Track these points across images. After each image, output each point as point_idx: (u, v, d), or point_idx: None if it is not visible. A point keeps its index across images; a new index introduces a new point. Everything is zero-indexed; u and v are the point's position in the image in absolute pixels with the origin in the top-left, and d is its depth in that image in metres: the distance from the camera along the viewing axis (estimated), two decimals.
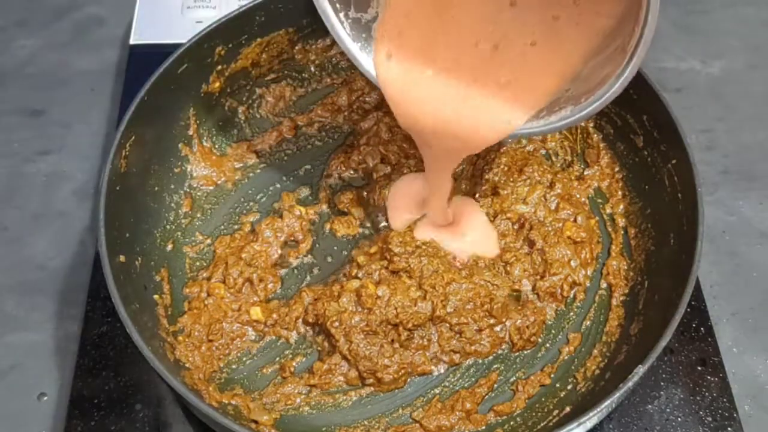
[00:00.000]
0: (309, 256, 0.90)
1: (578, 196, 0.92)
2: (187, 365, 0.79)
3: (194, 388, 0.76)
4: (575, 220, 0.90)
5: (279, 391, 0.81)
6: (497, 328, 0.84)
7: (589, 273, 0.88)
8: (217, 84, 0.91)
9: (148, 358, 0.69)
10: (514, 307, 0.85)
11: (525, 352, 0.84)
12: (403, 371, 0.81)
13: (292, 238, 0.90)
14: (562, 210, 0.90)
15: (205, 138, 0.93)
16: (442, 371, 0.82)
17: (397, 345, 0.82)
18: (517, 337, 0.83)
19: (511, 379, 0.82)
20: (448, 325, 0.83)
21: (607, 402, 0.67)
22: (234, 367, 0.82)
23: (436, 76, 0.77)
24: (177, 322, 0.82)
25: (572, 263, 0.87)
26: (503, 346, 0.84)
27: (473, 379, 0.82)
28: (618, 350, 0.81)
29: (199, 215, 0.91)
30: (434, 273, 0.84)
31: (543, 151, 0.96)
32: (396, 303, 0.82)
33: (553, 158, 0.96)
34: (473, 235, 0.89)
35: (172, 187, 0.90)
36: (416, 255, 0.85)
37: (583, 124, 0.93)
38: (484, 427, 0.79)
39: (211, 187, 0.93)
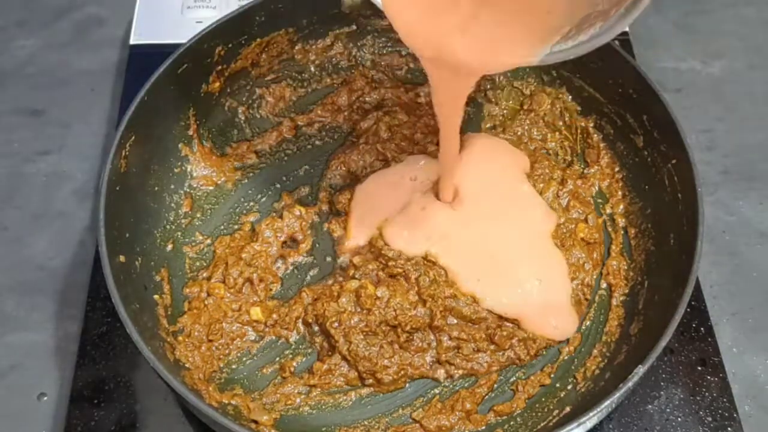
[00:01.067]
0: (309, 256, 0.90)
1: (584, 195, 0.92)
2: (187, 365, 0.79)
3: (194, 388, 0.76)
4: (586, 220, 0.89)
5: (279, 391, 0.81)
6: (498, 353, 0.82)
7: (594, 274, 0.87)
8: (217, 84, 0.91)
9: (148, 358, 0.69)
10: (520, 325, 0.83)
11: None
12: (402, 372, 0.81)
13: (292, 238, 0.90)
14: (573, 209, 0.90)
15: (205, 138, 0.93)
16: (440, 375, 0.82)
17: (396, 346, 0.81)
18: (524, 352, 0.81)
19: (511, 379, 0.82)
20: (447, 335, 0.82)
21: (607, 402, 0.67)
22: (234, 367, 0.82)
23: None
24: (177, 322, 0.82)
25: (586, 266, 0.86)
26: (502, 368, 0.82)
27: (473, 379, 0.82)
28: (618, 350, 0.81)
29: (199, 215, 0.91)
30: (433, 283, 0.83)
31: (543, 151, 0.95)
32: (395, 305, 0.81)
33: (554, 158, 0.96)
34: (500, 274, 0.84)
35: (172, 187, 0.90)
36: (412, 261, 0.84)
37: (583, 123, 0.93)
38: (484, 427, 0.79)
39: (211, 187, 0.93)
